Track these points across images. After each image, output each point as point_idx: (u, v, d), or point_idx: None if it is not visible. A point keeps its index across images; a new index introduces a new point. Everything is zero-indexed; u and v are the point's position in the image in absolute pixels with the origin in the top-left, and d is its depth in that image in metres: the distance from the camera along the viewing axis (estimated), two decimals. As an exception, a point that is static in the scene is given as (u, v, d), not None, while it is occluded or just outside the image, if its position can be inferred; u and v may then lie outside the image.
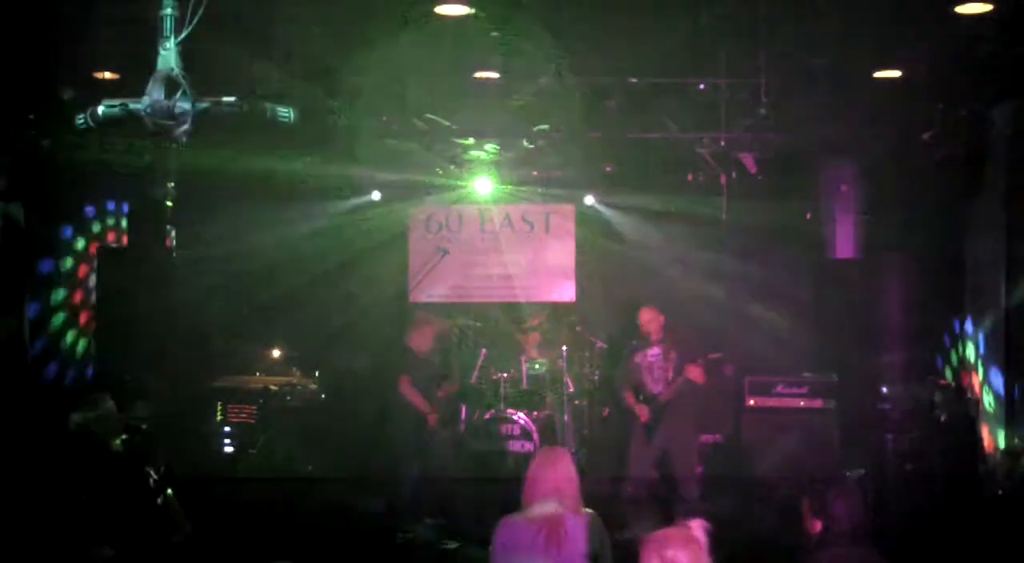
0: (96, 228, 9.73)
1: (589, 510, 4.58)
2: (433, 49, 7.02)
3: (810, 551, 4.36)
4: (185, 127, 3.25)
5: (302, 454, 9.13)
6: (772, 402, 9.28)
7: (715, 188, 9.52)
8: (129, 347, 8.94)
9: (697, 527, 3.49)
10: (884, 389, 8.32)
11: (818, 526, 4.27)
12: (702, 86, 7.85)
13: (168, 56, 3.30)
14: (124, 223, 9.93)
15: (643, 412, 8.15)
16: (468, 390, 9.65)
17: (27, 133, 7.70)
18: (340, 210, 10.46)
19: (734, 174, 9.24)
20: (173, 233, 9.47)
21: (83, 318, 9.37)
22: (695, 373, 8.01)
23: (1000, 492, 7.06)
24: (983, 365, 8.16)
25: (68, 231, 9.21)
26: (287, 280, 10.13)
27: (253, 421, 9.34)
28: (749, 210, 9.65)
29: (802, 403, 9.24)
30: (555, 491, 4.51)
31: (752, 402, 9.32)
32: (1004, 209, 7.51)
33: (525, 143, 9.45)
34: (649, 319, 8.28)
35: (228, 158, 8.00)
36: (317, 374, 10.01)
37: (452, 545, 7.53)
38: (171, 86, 3.25)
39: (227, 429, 9.34)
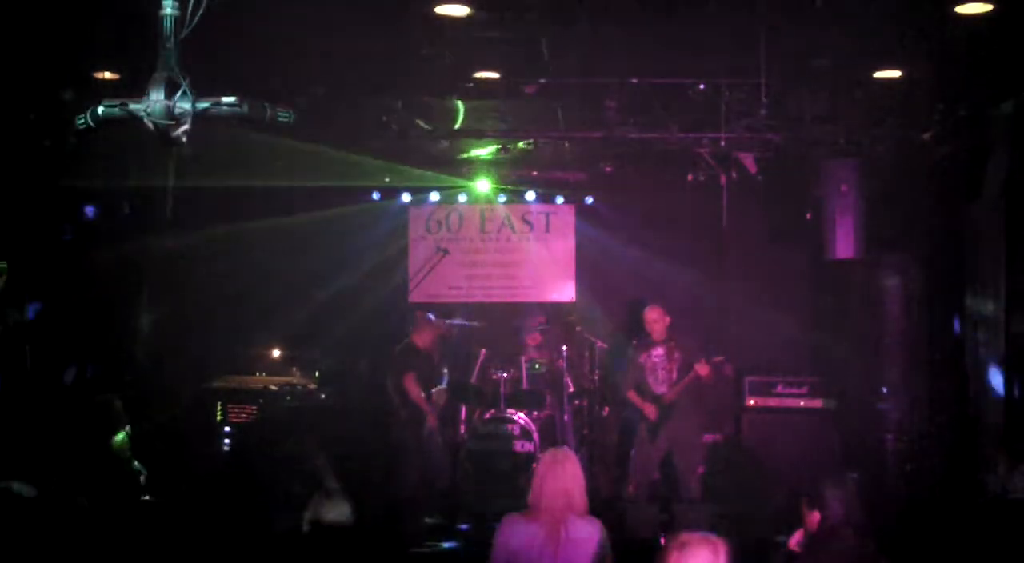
0: (96, 228, 9.71)
1: (592, 515, 4.60)
2: (434, 48, 7.02)
3: (808, 543, 4.46)
4: (185, 127, 3.25)
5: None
6: (772, 402, 9.29)
7: (715, 188, 9.52)
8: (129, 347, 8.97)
9: (721, 544, 3.56)
10: (884, 389, 8.31)
11: (816, 517, 4.40)
12: (702, 86, 7.85)
13: (168, 56, 3.30)
14: (123, 222, 9.92)
15: (651, 411, 8.16)
16: (468, 390, 9.66)
17: (27, 133, 7.69)
18: (340, 210, 10.45)
19: (734, 174, 9.24)
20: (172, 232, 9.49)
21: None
22: (704, 370, 8.03)
23: (999, 492, 7.04)
24: (983, 365, 8.15)
25: (68, 231, 9.20)
26: (287, 280, 10.14)
27: (253, 421, 9.34)
28: (749, 210, 9.64)
29: (802, 403, 9.24)
30: (563, 491, 4.52)
31: (752, 402, 9.32)
32: (1004, 209, 7.50)
33: (525, 143, 9.45)
34: (655, 319, 8.29)
35: (228, 160, 8.00)
36: (317, 374, 10.01)
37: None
38: (171, 86, 3.25)
39: (227, 429, 9.33)
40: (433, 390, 8.63)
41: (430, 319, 8.79)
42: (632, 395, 8.34)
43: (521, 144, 9.45)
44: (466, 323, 10.12)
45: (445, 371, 9.21)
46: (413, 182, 10.49)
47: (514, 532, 4.52)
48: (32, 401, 7.81)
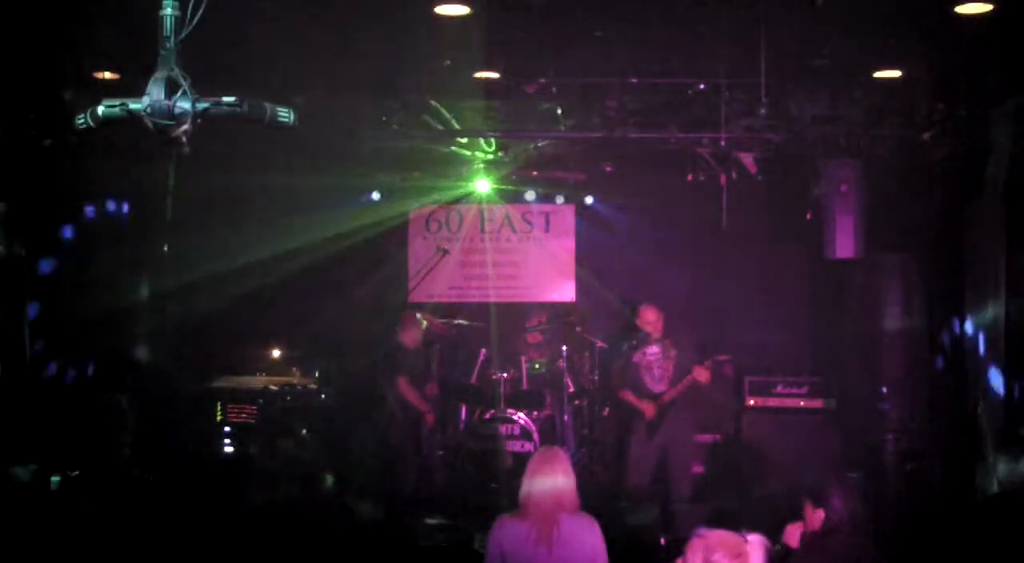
0: (96, 228, 9.71)
1: (585, 513, 4.59)
2: (434, 49, 7.03)
3: (809, 541, 4.47)
4: (185, 127, 3.25)
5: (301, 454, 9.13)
6: (772, 402, 9.29)
7: (715, 188, 9.51)
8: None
9: (756, 543, 3.50)
10: (884, 389, 8.31)
11: (820, 515, 4.42)
12: (702, 86, 7.85)
13: (168, 56, 3.30)
14: (124, 222, 9.92)
15: (648, 408, 8.14)
16: (468, 390, 9.66)
17: (27, 133, 7.69)
18: (340, 210, 10.45)
19: (734, 174, 9.23)
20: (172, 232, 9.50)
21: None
22: (703, 375, 8.02)
23: (999, 492, 7.05)
24: (983, 365, 8.15)
25: (68, 231, 9.20)
26: (287, 280, 10.13)
27: (253, 421, 9.35)
28: (749, 210, 9.64)
29: (802, 403, 9.25)
30: (551, 490, 4.51)
31: (752, 402, 9.33)
32: (1004, 209, 7.50)
33: (525, 143, 9.45)
34: (653, 319, 8.28)
35: (228, 160, 7.99)
36: (317, 374, 10.02)
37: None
38: (171, 86, 3.25)
39: (227, 429, 9.34)
40: (427, 385, 8.69)
41: (417, 317, 8.86)
42: (626, 394, 8.32)
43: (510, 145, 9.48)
44: (466, 323, 10.12)
45: (434, 366, 9.25)
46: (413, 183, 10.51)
47: (507, 533, 4.51)
48: (33, 395, 7.82)
